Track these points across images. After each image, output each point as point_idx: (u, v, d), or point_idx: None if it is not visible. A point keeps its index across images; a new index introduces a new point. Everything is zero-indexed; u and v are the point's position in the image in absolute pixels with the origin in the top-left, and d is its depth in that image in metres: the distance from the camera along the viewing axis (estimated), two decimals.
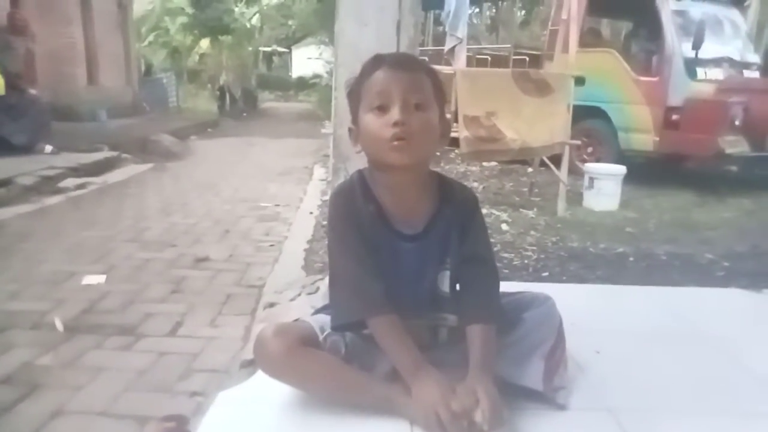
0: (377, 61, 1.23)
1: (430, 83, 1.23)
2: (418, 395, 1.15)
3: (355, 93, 1.26)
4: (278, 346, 1.21)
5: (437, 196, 1.30)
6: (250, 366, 1.51)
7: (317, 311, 1.38)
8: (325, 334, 1.27)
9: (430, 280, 1.29)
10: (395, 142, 1.17)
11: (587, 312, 1.60)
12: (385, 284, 1.23)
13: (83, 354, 1.96)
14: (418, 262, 1.28)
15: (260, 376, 1.27)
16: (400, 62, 1.23)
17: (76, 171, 5.46)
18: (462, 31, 5.08)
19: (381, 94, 1.19)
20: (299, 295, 2.04)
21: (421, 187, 1.28)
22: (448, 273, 1.30)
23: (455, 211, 1.29)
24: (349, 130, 1.31)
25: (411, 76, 1.20)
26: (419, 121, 1.19)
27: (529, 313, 1.33)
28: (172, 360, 1.93)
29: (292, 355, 1.21)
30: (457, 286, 1.31)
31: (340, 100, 1.63)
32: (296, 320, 1.34)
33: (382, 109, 1.19)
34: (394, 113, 1.17)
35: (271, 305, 2.01)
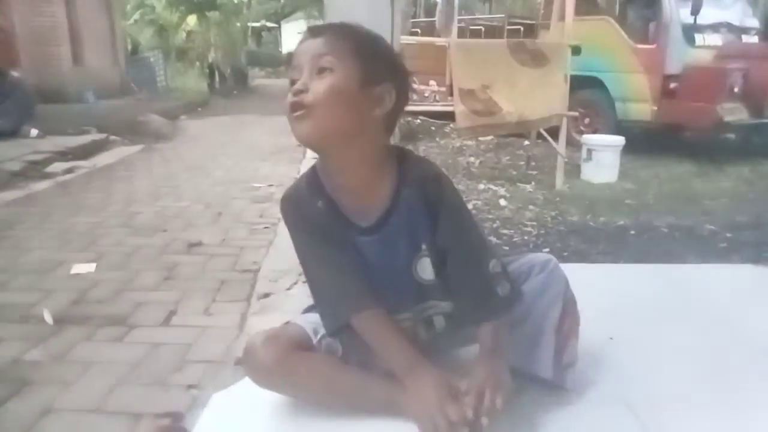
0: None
1: (349, 46, 1.03)
2: (414, 399, 1.06)
3: None
4: (269, 355, 1.12)
5: (395, 179, 1.11)
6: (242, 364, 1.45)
7: (308, 309, 1.28)
8: (319, 336, 1.18)
9: (404, 270, 1.15)
10: (294, 114, 1.01)
11: (596, 293, 1.52)
12: (361, 279, 1.12)
13: (73, 347, 1.89)
14: (385, 256, 1.14)
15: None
16: (312, 30, 1.08)
17: (63, 155, 5.34)
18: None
19: (293, 67, 1.05)
20: (295, 283, 1.97)
21: (368, 169, 1.10)
22: (427, 260, 1.15)
23: (416, 192, 1.10)
24: None
25: (321, 41, 1.03)
26: (323, 86, 1.00)
27: (528, 284, 1.18)
28: (165, 351, 1.86)
29: (285, 362, 1.12)
30: (444, 273, 1.16)
31: None
32: (287, 323, 1.24)
33: (293, 83, 1.04)
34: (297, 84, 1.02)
35: (266, 295, 1.95)
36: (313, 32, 1.06)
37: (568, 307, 1.19)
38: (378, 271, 1.14)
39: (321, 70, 1.01)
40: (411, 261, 1.15)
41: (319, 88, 1.00)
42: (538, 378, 1.20)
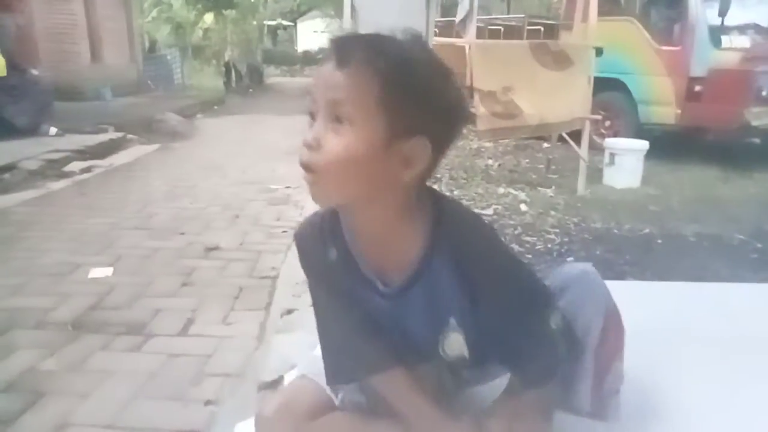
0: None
1: (375, 92, 0.78)
2: None
3: None
4: (284, 429, 0.99)
5: (426, 240, 0.90)
6: (269, 388, 1.40)
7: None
8: (340, 395, 1.04)
9: (427, 343, 0.97)
10: (305, 175, 0.82)
11: (632, 314, 1.45)
12: (378, 337, 0.97)
13: (90, 356, 1.87)
14: (404, 324, 0.96)
15: None
16: (338, 55, 0.80)
17: (81, 154, 5.36)
18: (472, 1, 4.84)
19: (311, 99, 0.83)
20: None
21: (393, 227, 0.89)
22: (457, 336, 0.95)
23: (450, 263, 0.90)
24: None
25: (341, 80, 0.79)
26: (337, 146, 0.79)
27: (563, 299, 0.99)
28: (183, 362, 1.83)
29: None
30: (481, 348, 0.98)
31: None
32: (302, 378, 1.09)
33: (311, 118, 0.83)
34: (310, 130, 0.81)
35: (289, 312, 1.89)
36: (335, 58, 0.80)
37: (611, 322, 1.02)
38: (396, 340, 0.98)
39: (338, 119, 0.79)
40: (436, 337, 0.97)
41: (332, 147, 0.79)
42: (573, 410, 1.06)
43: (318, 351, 1.04)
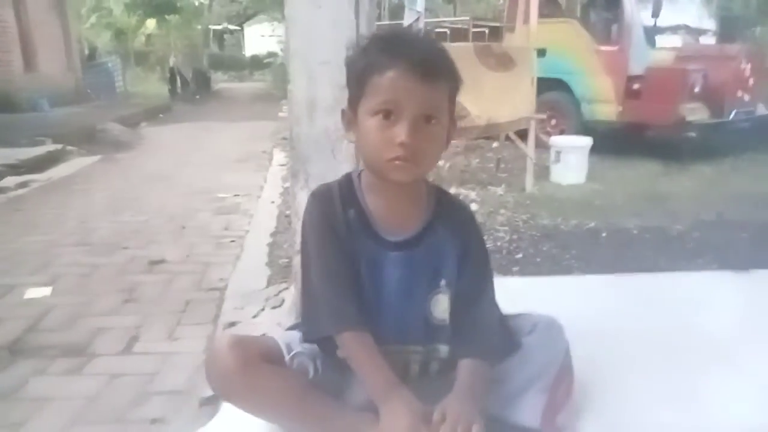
0: (393, 53, 1.01)
1: (449, 89, 1.04)
2: (386, 423, 1.00)
3: (358, 78, 1.05)
4: (234, 360, 1.04)
5: (431, 207, 1.14)
6: (209, 404, 1.35)
7: (289, 329, 1.22)
8: (292, 353, 1.11)
9: (419, 301, 1.12)
10: (397, 162, 1.01)
11: (574, 310, 1.48)
12: (361, 300, 1.08)
13: (26, 382, 1.77)
14: (405, 277, 1.11)
15: (226, 412, 1.10)
16: (421, 64, 0.99)
17: (16, 168, 5.10)
18: (421, 5, 4.89)
19: (390, 102, 1.00)
20: (262, 309, 1.87)
21: (414, 193, 1.12)
22: (444, 298, 1.13)
23: (451, 227, 1.13)
24: (342, 112, 1.11)
25: (430, 86, 1.00)
26: (427, 137, 1.01)
27: (529, 338, 1.16)
28: (126, 382, 1.75)
29: (250, 371, 1.04)
30: (456, 315, 1.14)
31: (295, 94, 1.44)
32: (262, 335, 1.19)
33: (388, 116, 1.00)
34: (401, 131, 0.99)
35: (232, 324, 1.84)
36: (414, 70, 0.99)
37: (565, 372, 1.17)
38: (392, 292, 1.11)
39: (427, 119, 1.01)
40: (427, 295, 1.13)
41: (423, 139, 1.01)
42: (524, 429, 1.13)
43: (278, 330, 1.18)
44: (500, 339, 1.13)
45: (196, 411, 1.52)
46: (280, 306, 1.89)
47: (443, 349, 1.14)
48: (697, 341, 1.59)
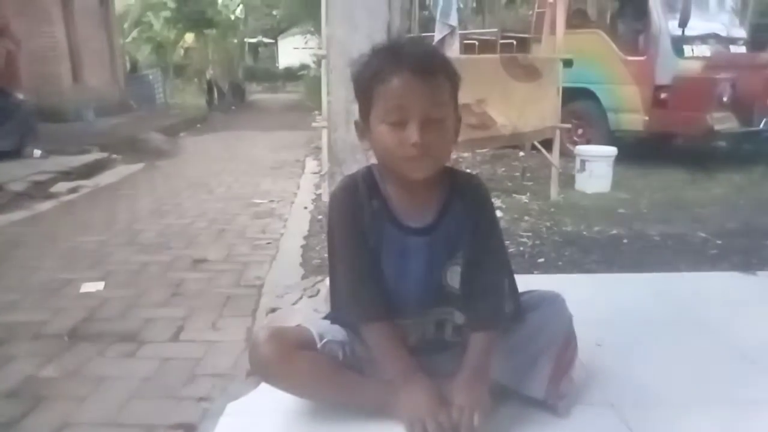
0: (394, 62, 1.10)
1: (449, 86, 1.14)
2: (407, 404, 1.15)
3: (365, 90, 1.15)
4: (272, 351, 1.20)
5: (447, 189, 1.24)
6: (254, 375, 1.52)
7: (325, 317, 1.37)
8: (324, 341, 1.26)
9: (438, 275, 1.24)
10: (413, 162, 1.12)
11: (586, 303, 1.60)
12: (383, 289, 1.21)
13: (86, 363, 1.97)
14: (427, 257, 1.22)
15: (266, 385, 1.27)
16: (420, 69, 1.09)
17: (67, 174, 5.43)
18: (454, 19, 5.03)
19: (398, 109, 1.10)
20: (300, 298, 2.05)
21: (431, 182, 1.21)
22: (458, 269, 1.24)
23: (466, 204, 1.23)
24: (355, 123, 1.22)
25: (432, 87, 1.10)
26: (437, 133, 1.11)
27: (534, 314, 1.28)
28: (175, 365, 1.94)
29: (286, 359, 1.20)
30: (466, 283, 1.26)
31: (333, 105, 1.63)
32: (297, 326, 1.33)
33: (398, 120, 1.10)
34: (412, 132, 1.09)
35: (273, 310, 2.02)
36: (414, 72, 1.09)
37: (569, 342, 1.29)
38: (415, 271, 1.22)
39: (434, 117, 1.11)
40: (444, 267, 1.24)
41: (437, 138, 1.11)
42: (531, 399, 1.27)
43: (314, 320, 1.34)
44: (508, 303, 1.26)
45: (238, 390, 1.69)
46: (316, 295, 2.07)
47: (456, 314, 1.28)
48: (699, 330, 1.69)
